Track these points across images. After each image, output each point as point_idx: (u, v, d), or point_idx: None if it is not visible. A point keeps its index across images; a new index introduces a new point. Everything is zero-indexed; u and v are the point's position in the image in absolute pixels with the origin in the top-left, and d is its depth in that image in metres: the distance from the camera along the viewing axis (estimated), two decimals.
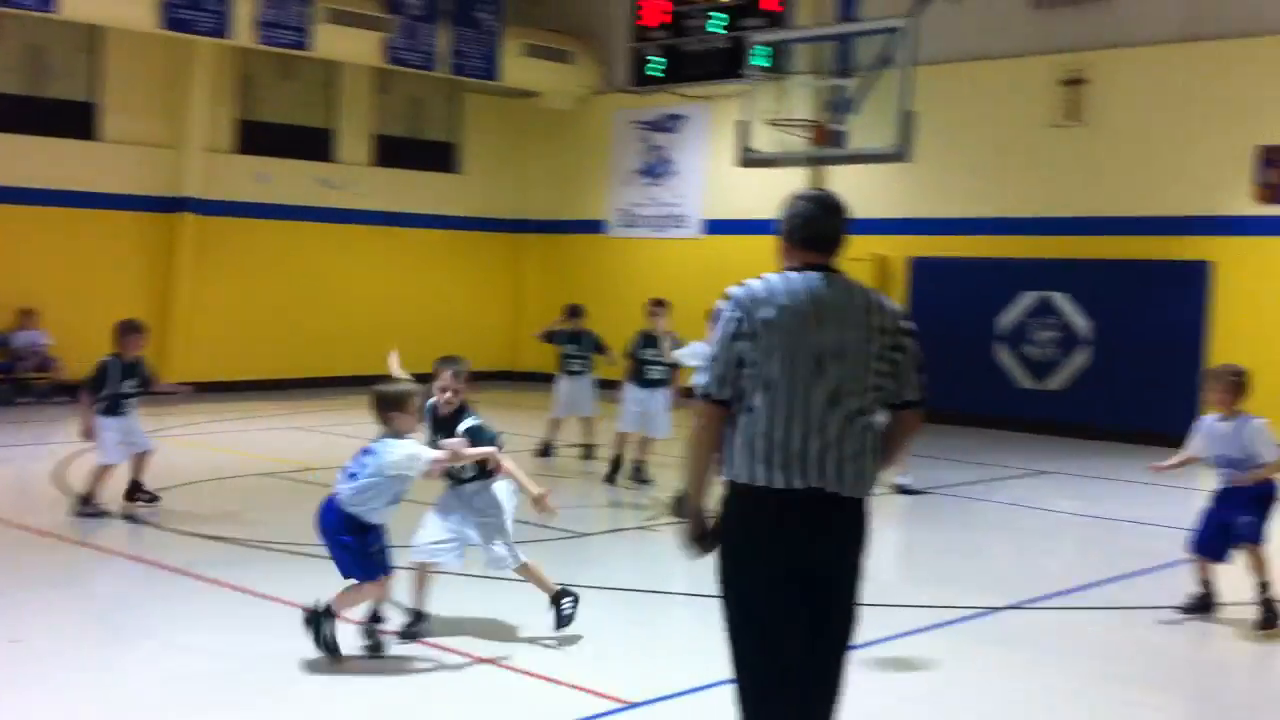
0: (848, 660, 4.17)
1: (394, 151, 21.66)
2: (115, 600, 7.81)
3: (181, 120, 18.93)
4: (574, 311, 14.00)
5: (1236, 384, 7.72)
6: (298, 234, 20.29)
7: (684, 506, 4.20)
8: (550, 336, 13.99)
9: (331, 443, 14.52)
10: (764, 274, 4.10)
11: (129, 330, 10.23)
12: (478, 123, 22.71)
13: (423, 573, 6.89)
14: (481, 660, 6.51)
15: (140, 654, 6.56)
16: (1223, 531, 7.58)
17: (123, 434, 10.14)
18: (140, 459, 10.27)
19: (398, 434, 6.38)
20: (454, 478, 6.92)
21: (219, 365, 19.09)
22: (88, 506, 9.90)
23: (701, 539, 4.19)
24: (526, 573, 7.00)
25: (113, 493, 10.06)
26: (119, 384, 10.08)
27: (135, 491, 10.25)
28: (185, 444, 14.21)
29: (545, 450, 13.54)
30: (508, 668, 6.41)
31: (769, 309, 4.02)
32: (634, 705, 5.92)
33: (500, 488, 6.98)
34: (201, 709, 5.78)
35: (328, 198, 20.66)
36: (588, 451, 13.54)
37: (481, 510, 6.90)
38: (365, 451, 6.38)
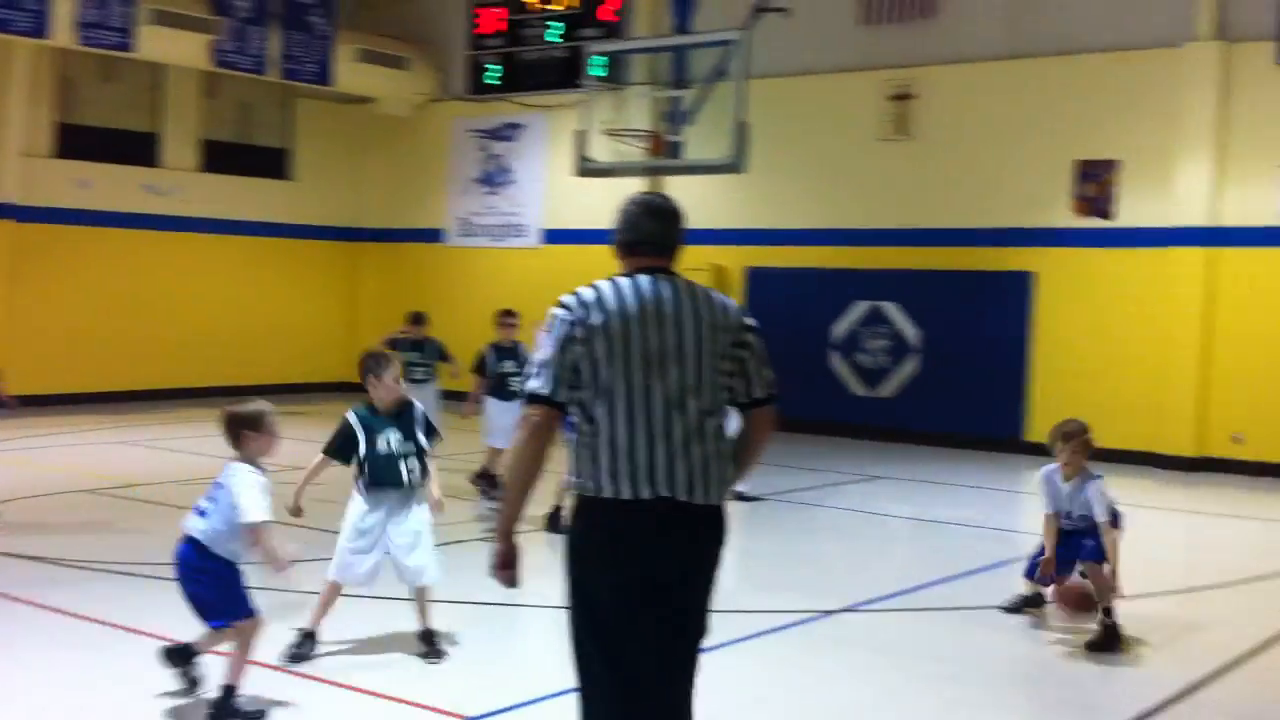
0: (698, 667, 4.13)
1: (223, 157, 21.09)
2: None
3: None
4: (417, 319, 13.82)
5: (1087, 443, 7.76)
6: (123, 242, 19.60)
7: (500, 527, 4.09)
8: (393, 344, 13.75)
9: (158, 458, 14.08)
10: (596, 281, 4.06)
11: None
12: (311, 128, 22.27)
13: (333, 591, 6.70)
14: (319, 680, 6.35)
15: None
16: (1063, 557, 7.66)
17: None
18: None
19: (251, 459, 5.83)
20: (382, 483, 6.68)
21: (41, 378, 18.23)
22: None
23: (507, 566, 4.07)
24: (423, 595, 6.79)
25: None
26: None
27: None
28: (3, 460, 13.60)
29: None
30: (345, 687, 6.26)
31: (600, 314, 3.96)
32: (470, 719, 5.84)
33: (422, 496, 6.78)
34: None
35: (154, 204, 20.02)
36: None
37: (404, 520, 6.70)
38: (216, 485, 5.81)
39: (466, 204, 21.60)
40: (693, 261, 18.75)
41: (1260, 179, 15.05)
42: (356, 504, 6.81)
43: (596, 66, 17.02)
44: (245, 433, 5.85)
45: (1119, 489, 13.66)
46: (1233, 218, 15.23)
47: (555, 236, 20.43)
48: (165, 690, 6.12)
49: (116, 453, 14.36)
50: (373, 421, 6.80)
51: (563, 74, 19.64)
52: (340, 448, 6.85)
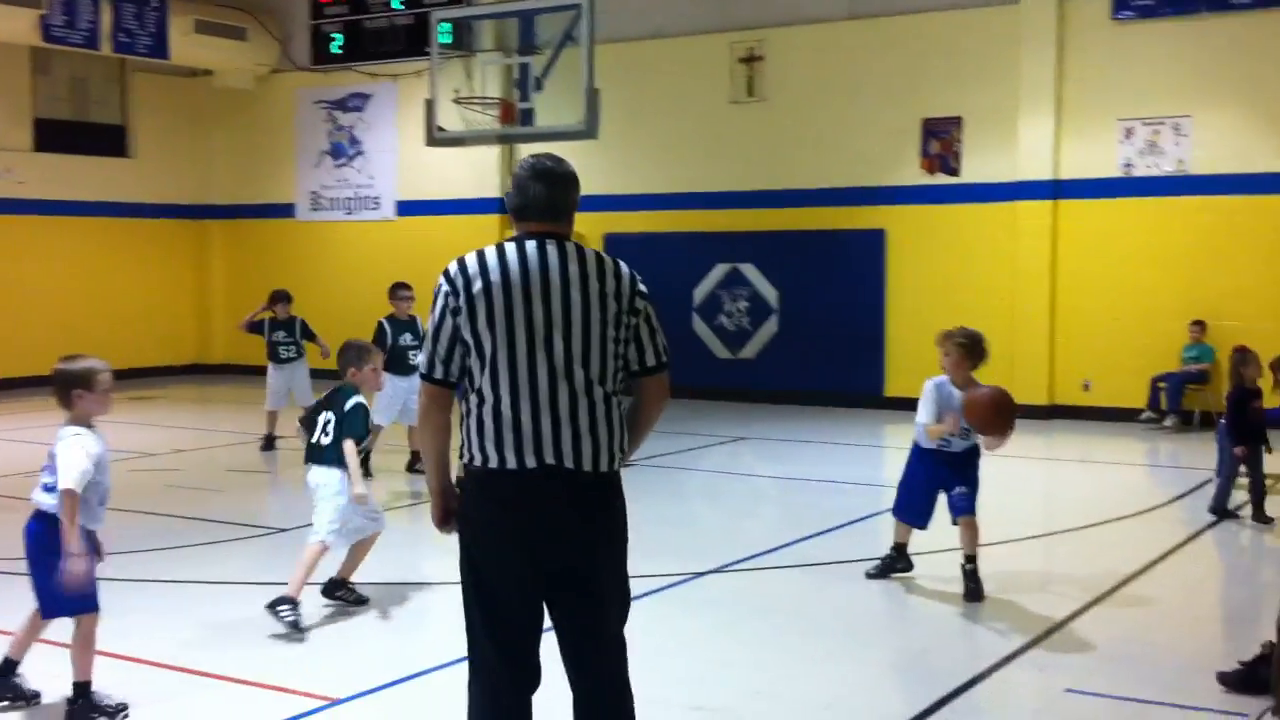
0: (615, 639, 4.07)
1: (57, 136, 20.25)
2: None
3: None
4: (279, 297, 13.40)
5: (964, 344, 7.54)
6: None
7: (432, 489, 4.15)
8: (255, 326, 13.37)
9: (4, 449, 13.52)
10: (482, 248, 3.97)
11: None
12: (149, 104, 21.51)
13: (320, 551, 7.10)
14: (181, 670, 6.17)
15: None
16: (930, 497, 7.69)
17: None
18: None
19: (83, 420, 5.52)
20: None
21: None
22: None
23: (446, 519, 4.10)
24: (312, 554, 7.04)
25: None
26: None
27: None
28: None
29: (269, 443, 12.98)
30: (212, 675, 6.09)
31: (480, 282, 3.89)
32: (338, 701, 5.74)
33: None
34: None
35: None
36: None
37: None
38: (51, 454, 5.54)
39: (317, 177, 21.13)
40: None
41: (1099, 132, 15.50)
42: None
43: (443, 33, 16.76)
44: (76, 391, 5.53)
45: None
46: (1074, 170, 15.67)
47: (410, 208, 20.12)
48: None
49: None
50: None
51: (409, 42, 19.31)
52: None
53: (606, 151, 17.44)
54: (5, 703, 5.65)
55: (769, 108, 17.38)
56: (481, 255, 3.94)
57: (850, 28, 16.85)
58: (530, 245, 3.96)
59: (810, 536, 9.23)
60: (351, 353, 7.39)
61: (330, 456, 7.14)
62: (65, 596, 5.39)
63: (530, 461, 3.86)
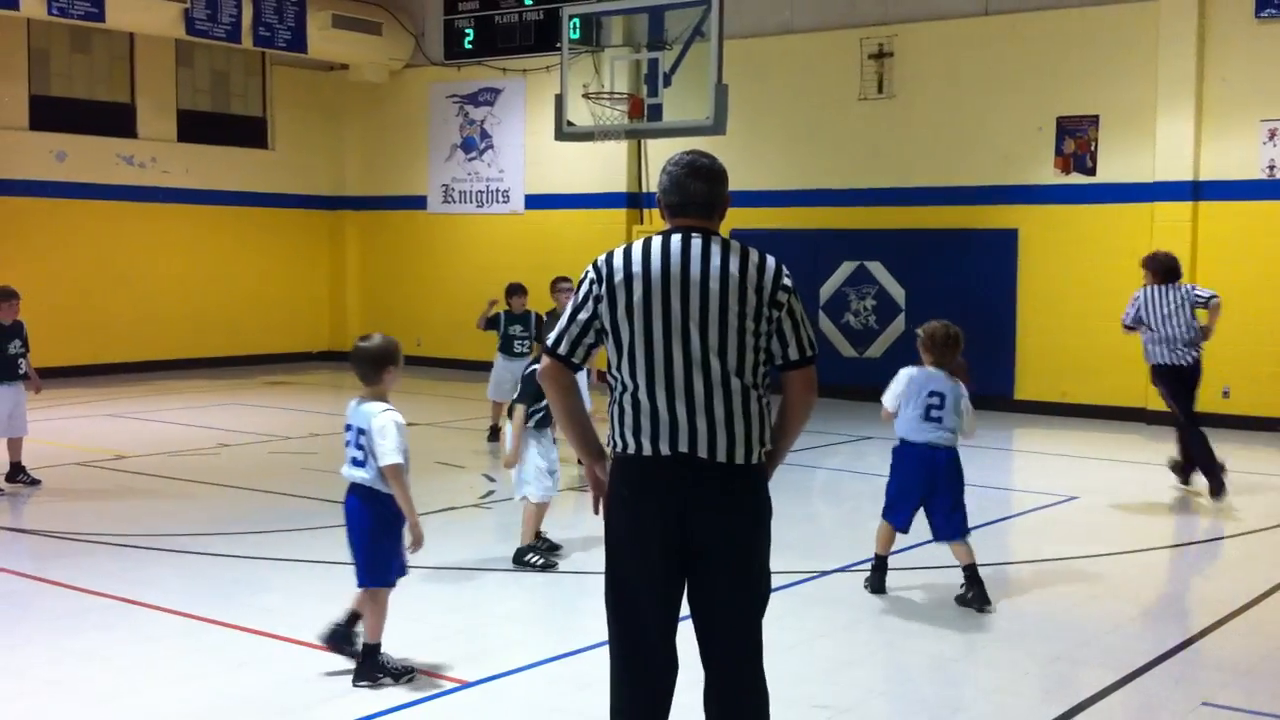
0: (744, 632, 4.08)
1: (200, 127, 20.90)
2: None
3: None
4: (515, 290, 13.27)
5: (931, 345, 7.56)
6: (100, 214, 19.43)
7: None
8: (491, 322, 13.36)
9: (146, 430, 14.01)
10: (632, 242, 4.07)
11: (6, 296, 10.41)
12: (287, 97, 22.08)
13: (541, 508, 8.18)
14: (306, 645, 6.35)
15: None
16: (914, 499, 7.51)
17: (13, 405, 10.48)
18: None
19: (384, 394, 5.83)
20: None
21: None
22: None
23: (596, 505, 4.19)
24: (526, 512, 8.20)
25: None
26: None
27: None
28: None
29: (494, 434, 13.06)
30: (347, 654, 6.26)
31: (624, 273, 3.99)
32: (470, 685, 5.86)
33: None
34: (22, 716, 5.49)
35: (131, 176, 19.85)
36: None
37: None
38: (360, 431, 5.73)
39: (448, 170, 21.47)
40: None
41: (1241, 133, 15.06)
42: (533, 443, 8.19)
43: (574, 29, 16.90)
44: (389, 368, 5.84)
45: (1108, 445, 13.77)
46: (1214, 171, 15.24)
47: (538, 202, 20.33)
48: (175, 664, 6.12)
49: (102, 426, 14.28)
50: None
51: (539, 37, 19.50)
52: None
53: (733, 147, 17.37)
54: (369, 683, 5.80)
55: (899, 104, 17.21)
56: (629, 248, 4.05)
57: (984, 23, 16.61)
58: (676, 238, 4.03)
59: (931, 541, 9.14)
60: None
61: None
62: (383, 567, 5.76)
63: (664, 449, 3.93)
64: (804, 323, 4.10)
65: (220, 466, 11.84)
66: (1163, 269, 10.86)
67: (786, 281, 4.05)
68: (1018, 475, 12.72)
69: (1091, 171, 15.98)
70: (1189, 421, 10.79)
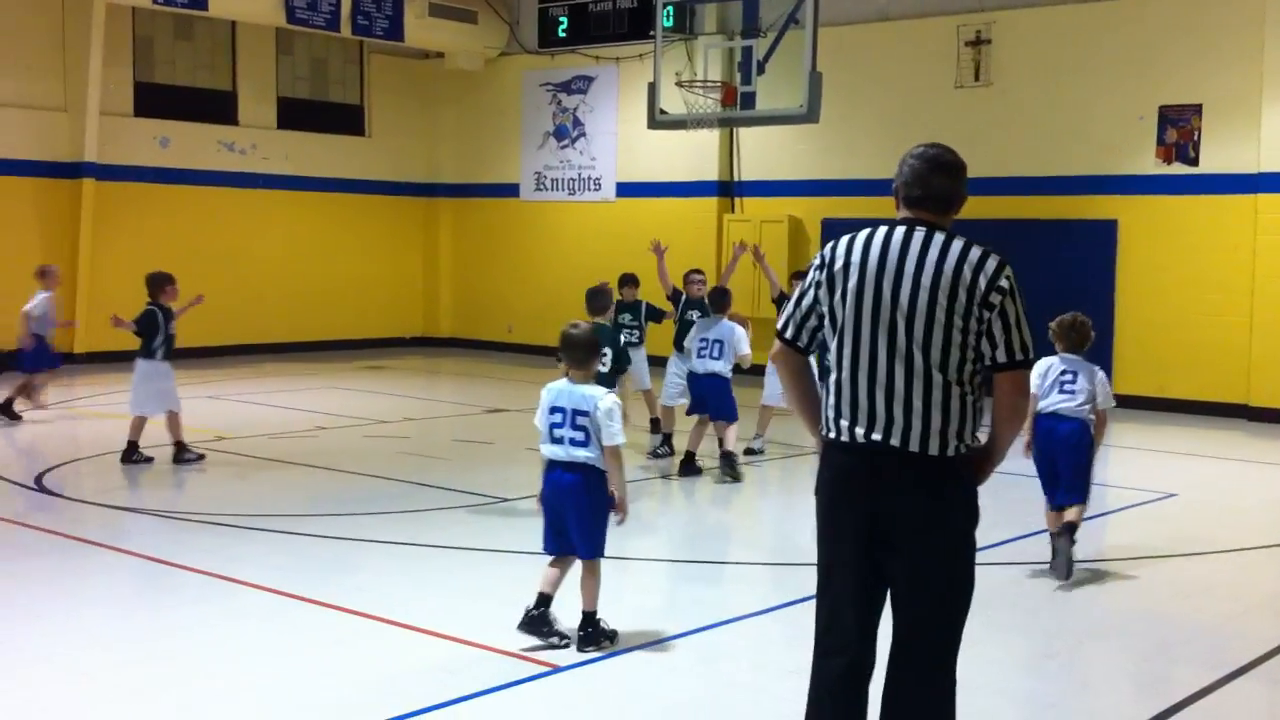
0: (950, 629, 4.07)
1: (298, 114, 21.25)
2: (31, 574, 7.57)
3: (78, 83, 18.35)
4: (626, 280, 13.08)
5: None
6: (201, 199, 19.85)
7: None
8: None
9: (244, 411, 14.29)
10: (859, 231, 4.13)
11: (166, 280, 11.22)
12: (384, 84, 22.35)
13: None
14: (399, 625, 6.44)
15: (47, 626, 6.38)
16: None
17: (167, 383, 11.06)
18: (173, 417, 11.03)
19: (590, 380, 6.18)
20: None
21: (124, 335, 18.54)
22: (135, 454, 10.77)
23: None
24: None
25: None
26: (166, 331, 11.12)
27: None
28: (95, 415, 13.90)
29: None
30: (428, 633, 6.34)
31: (845, 260, 4.08)
32: (560, 669, 5.90)
33: None
34: (115, 686, 5.64)
35: (231, 161, 20.24)
36: (654, 427, 12.56)
37: None
38: (574, 412, 6.03)
39: (540, 158, 21.59)
40: (768, 212, 18.80)
41: None
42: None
43: (667, 17, 16.87)
44: (595, 356, 6.21)
45: (1208, 442, 13.49)
46: None
47: (629, 189, 20.37)
48: (267, 640, 6.23)
49: (202, 407, 14.57)
50: None
51: (633, 25, 19.52)
52: None
53: (826, 135, 17.34)
54: (543, 641, 6.14)
55: (996, 92, 16.96)
56: (854, 236, 4.13)
57: (1084, 10, 16.29)
58: (899, 230, 4.08)
59: (1029, 535, 9.03)
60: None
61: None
62: (602, 539, 6.14)
63: (862, 436, 3.99)
64: (1018, 326, 4.03)
65: (317, 449, 12.04)
66: None
67: (1003, 283, 3.98)
68: (1115, 470, 12.48)
69: (1194, 162, 15.62)
70: None
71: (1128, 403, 15.84)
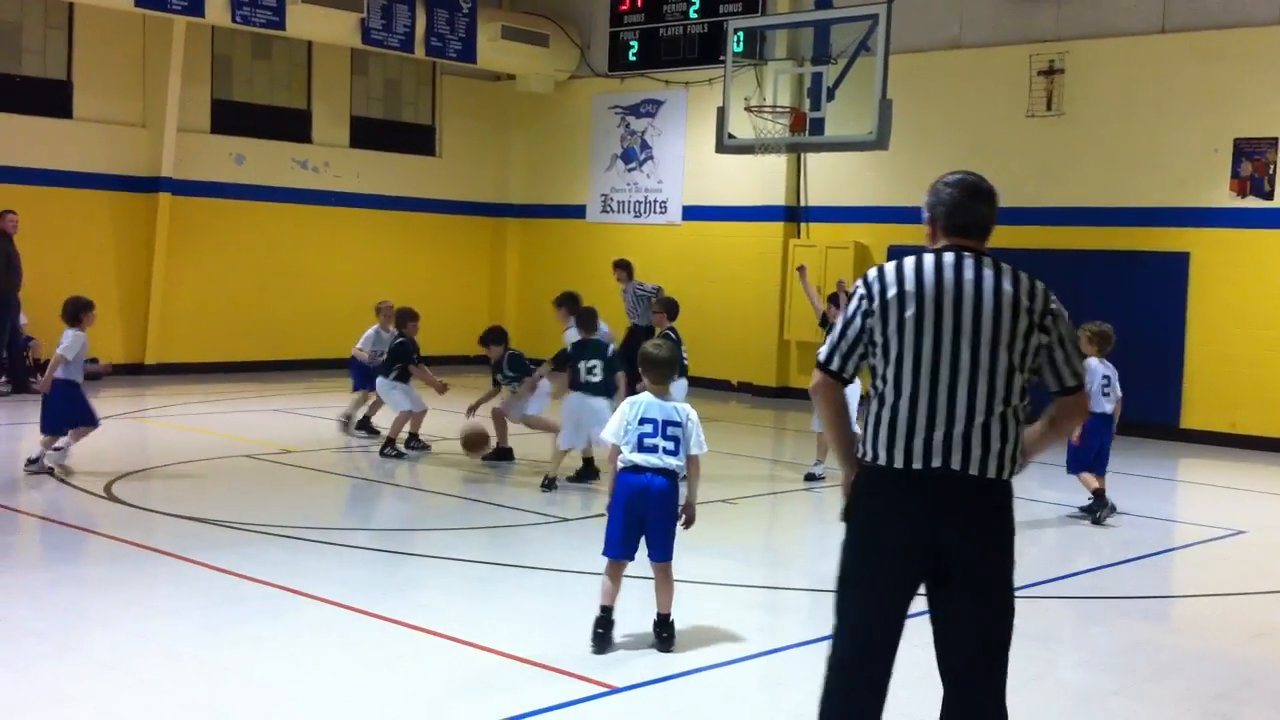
0: (993, 650, 4.12)
1: (371, 133, 21.54)
2: (100, 582, 7.72)
3: (157, 99, 18.73)
4: (496, 337, 13.45)
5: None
6: (274, 215, 20.16)
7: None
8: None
9: (311, 425, 14.46)
10: (902, 259, 4.12)
11: (409, 316, 13.37)
12: (455, 106, 22.60)
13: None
14: (460, 642, 6.49)
15: (116, 634, 6.50)
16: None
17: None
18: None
19: (666, 394, 6.65)
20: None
21: (195, 347, 18.98)
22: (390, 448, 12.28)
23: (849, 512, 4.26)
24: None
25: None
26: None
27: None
28: (163, 425, 14.13)
29: None
30: (487, 650, 6.39)
31: (895, 289, 4.05)
32: (617, 690, 5.91)
33: None
34: (180, 696, 5.73)
35: (305, 179, 20.54)
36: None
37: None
38: (668, 423, 6.49)
39: (608, 180, 21.72)
40: (834, 239, 18.76)
41: None
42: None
43: (737, 42, 16.94)
44: (672, 374, 6.80)
45: (1278, 479, 13.26)
46: None
47: (695, 213, 20.42)
48: (331, 653, 6.30)
49: (271, 420, 14.79)
50: None
51: (703, 50, 19.59)
52: None
53: (895, 163, 17.30)
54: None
55: (1068, 122, 16.83)
56: (900, 265, 4.11)
57: (1160, 41, 16.14)
58: (948, 257, 4.08)
59: (1094, 569, 8.94)
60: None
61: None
62: (673, 543, 6.56)
63: (918, 464, 3.97)
64: (1075, 350, 4.12)
65: (382, 464, 12.16)
66: None
67: (1054, 305, 4.06)
68: (1182, 507, 12.33)
69: (1269, 195, 15.41)
70: None
71: (1197, 438, 15.65)
